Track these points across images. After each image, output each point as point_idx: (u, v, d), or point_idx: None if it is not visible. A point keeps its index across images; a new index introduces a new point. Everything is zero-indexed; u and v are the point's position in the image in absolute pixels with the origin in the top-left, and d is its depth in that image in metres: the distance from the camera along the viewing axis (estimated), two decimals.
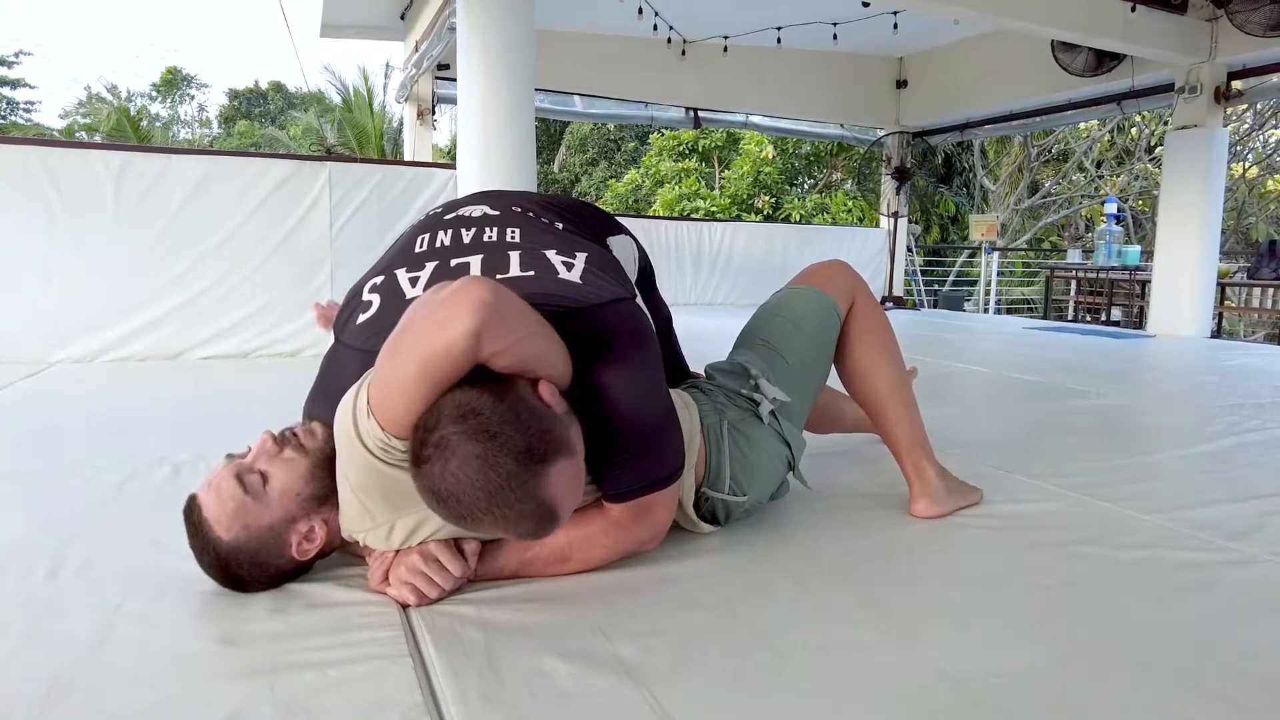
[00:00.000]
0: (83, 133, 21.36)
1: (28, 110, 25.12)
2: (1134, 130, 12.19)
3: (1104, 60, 5.95)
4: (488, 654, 0.95)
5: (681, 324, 1.89)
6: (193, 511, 1.06)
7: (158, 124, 23.68)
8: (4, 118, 24.19)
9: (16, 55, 25.05)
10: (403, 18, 6.03)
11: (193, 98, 28.97)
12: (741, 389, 1.37)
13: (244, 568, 1.06)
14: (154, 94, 27.82)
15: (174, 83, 28.05)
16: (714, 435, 1.28)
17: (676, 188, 13.08)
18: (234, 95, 27.12)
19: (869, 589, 1.17)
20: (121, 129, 16.30)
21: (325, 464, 1.09)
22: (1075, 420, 2.48)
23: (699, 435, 1.27)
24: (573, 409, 1.00)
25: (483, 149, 3.47)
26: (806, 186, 14.78)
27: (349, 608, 1.06)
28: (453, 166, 3.60)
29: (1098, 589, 1.19)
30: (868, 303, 1.52)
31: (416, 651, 0.97)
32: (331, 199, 3.35)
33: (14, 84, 24.50)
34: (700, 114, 7.46)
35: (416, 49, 5.69)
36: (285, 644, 0.97)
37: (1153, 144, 11.78)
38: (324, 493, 1.08)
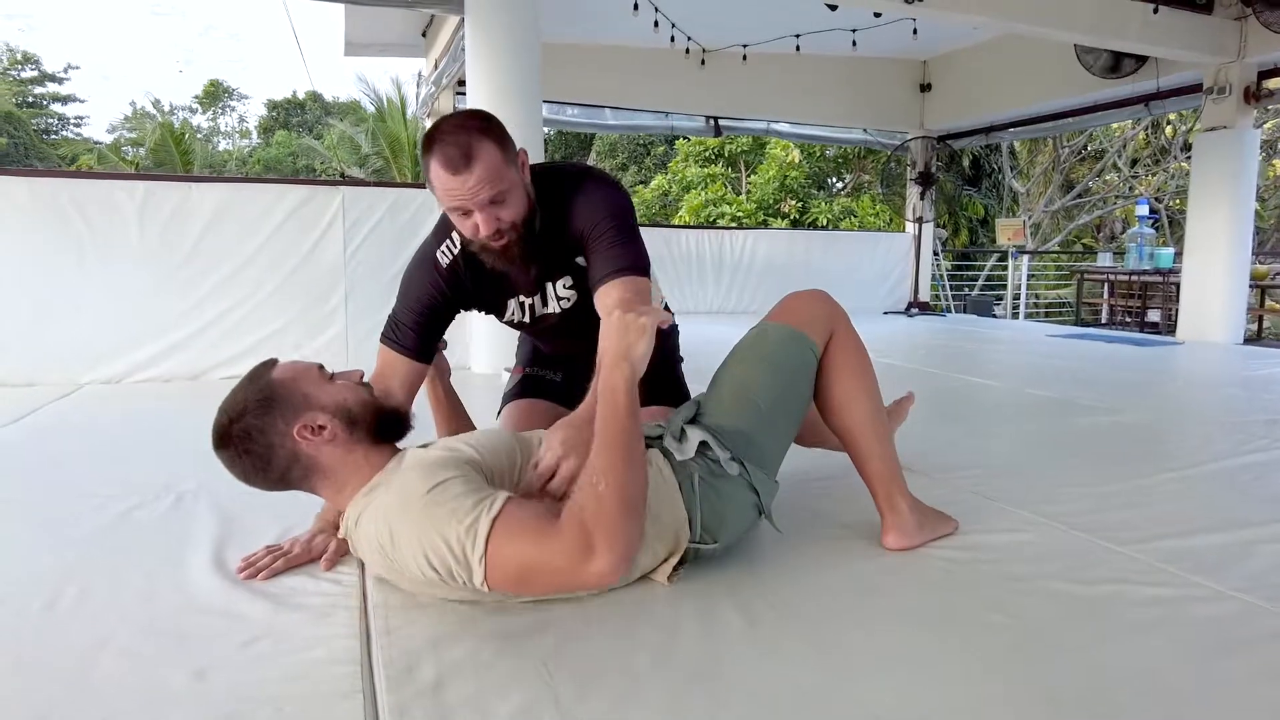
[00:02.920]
0: (128, 147, 22.04)
1: (77, 125, 26.03)
2: (1169, 128, 11.91)
3: (1121, 60, 5.86)
4: (435, 692, 1.00)
5: (701, 333, 1.95)
6: (269, 361, 1.25)
7: (199, 136, 24.31)
8: (55, 133, 25.06)
9: (66, 70, 25.99)
10: (424, 35, 6.15)
11: (233, 109, 29.75)
12: (708, 449, 1.35)
13: (252, 405, 1.17)
14: (196, 106, 28.58)
15: (216, 95, 28.81)
16: (685, 488, 1.29)
17: (703, 193, 13.10)
18: (272, 106, 27.75)
19: (820, 626, 1.19)
20: (165, 145, 16.80)
21: (374, 410, 1.24)
22: (1076, 440, 2.46)
23: (678, 493, 1.27)
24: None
25: None
26: (837, 189, 14.70)
27: (316, 644, 1.12)
28: None
29: (1051, 628, 1.20)
30: (847, 335, 1.51)
31: (370, 687, 1.02)
32: (345, 223, 3.46)
33: (65, 100, 25.40)
34: (721, 122, 7.48)
35: (436, 66, 5.80)
36: (251, 677, 1.04)
37: (1189, 141, 11.50)
38: (354, 419, 1.21)
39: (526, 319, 1.68)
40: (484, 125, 1.39)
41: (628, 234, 1.51)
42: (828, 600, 1.29)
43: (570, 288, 1.61)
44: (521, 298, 1.65)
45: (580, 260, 1.55)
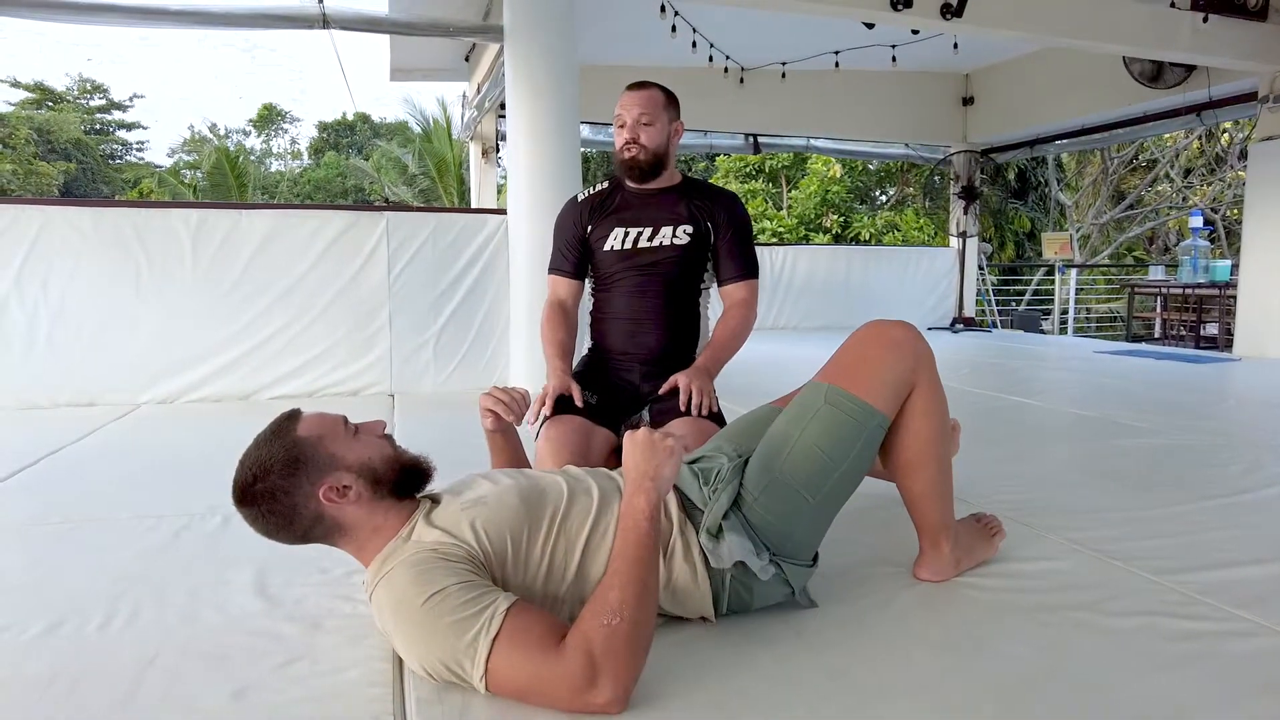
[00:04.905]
0: (186, 170, 22.86)
1: (140, 150, 27.11)
2: (1225, 136, 11.56)
3: (1163, 68, 5.74)
4: (462, 715, 1.03)
5: (741, 351, 2.03)
6: (293, 414, 1.19)
7: (252, 158, 25.11)
8: (120, 158, 26.14)
9: (131, 99, 27.12)
10: (467, 60, 6.29)
11: (286, 131, 30.62)
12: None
13: (277, 465, 1.12)
14: (250, 129, 29.52)
15: (269, 118, 29.71)
16: (715, 582, 1.25)
17: None
18: (323, 127, 28.51)
19: (843, 657, 1.19)
20: (220, 167, 17.41)
21: (399, 466, 1.20)
22: (1116, 463, 2.41)
23: (708, 585, 1.24)
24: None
25: (530, 187, 3.59)
26: (881, 202, 14.57)
27: (350, 666, 1.17)
28: (504, 212, 3.76)
29: (1077, 662, 1.18)
30: (927, 390, 1.35)
31: (401, 709, 1.06)
32: (389, 247, 3.56)
33: (129, 126, 26.49)
34: (760, 139, 7.50)
35: (479, 90, 5.93)
36: (287, 697, 1.09)
37: (1246, 149, 11.14)
38: (378, 477, 1.17)
39: (628, 247, 2.04)
40: (664, 88, 2.03)
41: (750, 241, 2.11)
42: (852, 628, 1.29)
43: (689, 235, 2.03)
44: (629, 228, 2.04)
45: (709, 225, 2.04)
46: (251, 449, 1.16)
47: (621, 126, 2.00)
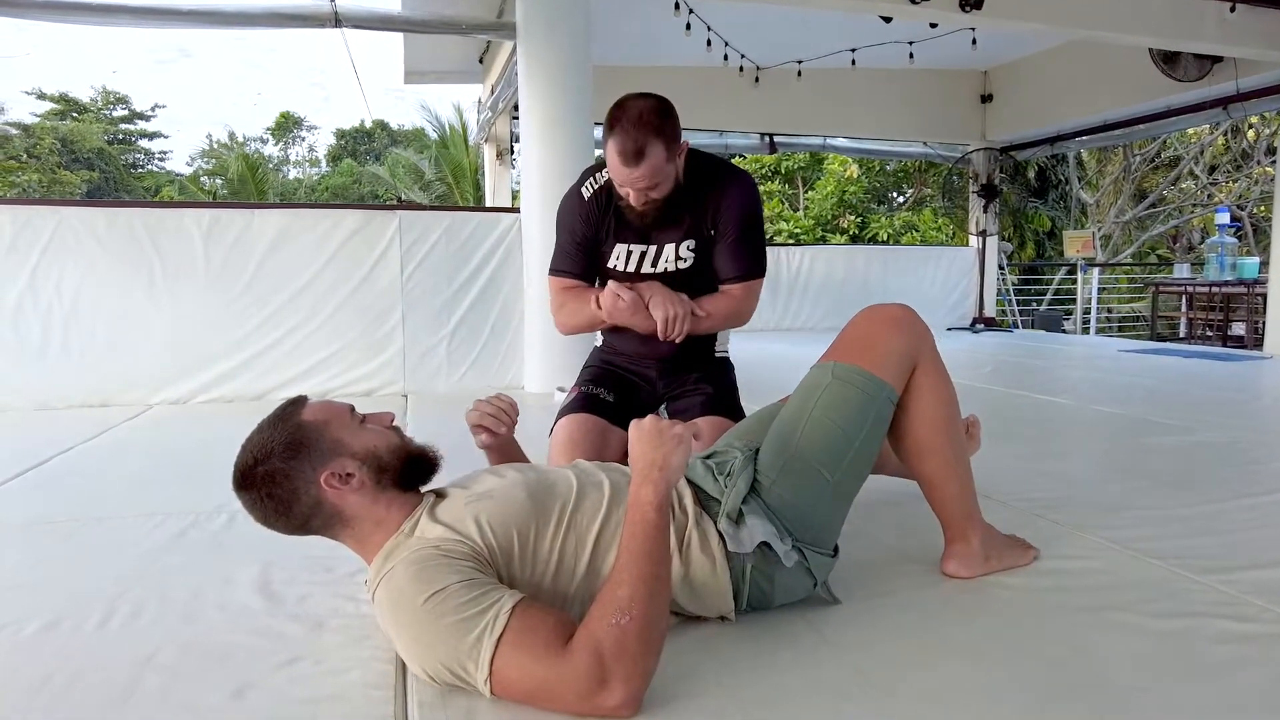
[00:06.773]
0: (206, 177, 23.10)
1: (161, 159, 27.44)
2: (1251, 132, 11.35)
3: (1180, 58, 5.64)
4: (467, 719, 0.98)
5: (759, 350, 1.95)
6: (298, 400, 1.17)
7: (270, 165, 25.32)
8: (141, 167, 26.46)
9: (153, 109, 27.46)
10: (481, 62, 6.28)
11: (303, 139, 30.88)
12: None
13: (279, 448, 1.09)
14: (267, 137, 29.77)
15: (286, 126, 29.97)
16: (735, 573, 1.20)
17: None
18: (340, 135, 28.72)
19: (869, 658, 1.13)
20: (243, 176, 17.60)
21: (405, 455, 1.16)
22: (1149, 461, 2.33)
23: (727, 578, 1.19)
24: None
25: (543, 185, 3.55)
26: (899, 203, 14.45)
27: (353, 666, 1.12)
28: (517, 210, 3.73)
29: (1115, 665, 1.12)
30: (932, 368, 1.35)
31: (404, 711, 1.01)
32: (402, 246, 3.53)
33: (151, 136, 26.82)
34: (776, 139, 7.43)
35: (493, 92, 5.92)
36: (288, 697, 1.04)
37: (1274, 145, 10.93)
38: (383, 466, 1.14)
39: (630, 269, 1.84)
40: (659, 124, 1.63)
41: (756, 236, 1.84)
42: (878, 627, 1.23)
43: (693, 250, 1.82)
44: (631, 245, 1.84)
45: (713, 231, 1.81)
46: (254, 433, 1.13)
47: (623, 186, 1.71)
